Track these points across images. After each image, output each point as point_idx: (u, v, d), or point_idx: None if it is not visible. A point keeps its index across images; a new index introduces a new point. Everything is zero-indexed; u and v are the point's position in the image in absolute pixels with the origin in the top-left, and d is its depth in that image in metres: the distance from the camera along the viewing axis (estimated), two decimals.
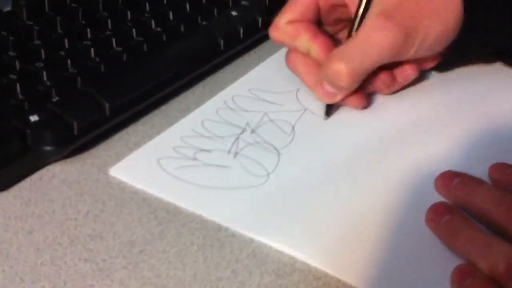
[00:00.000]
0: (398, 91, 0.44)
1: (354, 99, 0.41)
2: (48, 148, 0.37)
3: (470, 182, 0.33)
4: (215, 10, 0.50)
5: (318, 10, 0.42)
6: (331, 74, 0.39)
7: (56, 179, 0.37)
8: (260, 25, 0.50)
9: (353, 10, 0.41)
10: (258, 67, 0.48)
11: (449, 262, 0.30)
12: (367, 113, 0.43)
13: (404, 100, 0.44)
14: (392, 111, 0.43)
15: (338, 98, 0.41)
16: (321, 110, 0.42)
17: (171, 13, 0.48)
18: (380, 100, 0.44)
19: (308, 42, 0.41)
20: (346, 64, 0.38)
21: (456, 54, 0.42)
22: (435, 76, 0.46)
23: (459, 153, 0.39)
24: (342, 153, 0.39)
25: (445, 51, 0.42)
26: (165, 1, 0.50)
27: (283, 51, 0.49)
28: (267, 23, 0.50)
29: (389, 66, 0.41)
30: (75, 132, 0.37)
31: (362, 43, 0.38)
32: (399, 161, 0.38)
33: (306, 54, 0.41)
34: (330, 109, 0.42)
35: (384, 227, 0.33)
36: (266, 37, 0.51)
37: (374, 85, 0.42)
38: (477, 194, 0.32)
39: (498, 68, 0.47)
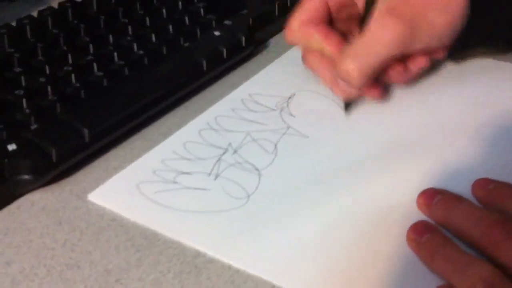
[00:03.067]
0: (412, 81, 0.45)
1: (371, 92, 0.43)
2: (26, 177, 0.36)
3: (451, 200, 0.33)
4: (198, 31, 0.50)
5: (328, 10, 0.44)
6: (342, 74, 0.40)
7: (35, 208, 0.36)
8: (244, 44, 0.50)
9: (361, 7, 0.43)
10: (242, 87, 0.47)
11: (429, 284, 0.30)
12: (350, 131, 0.42)
13: (390, 115, 0.44)
14: (375, 129, 0.42)
15: (353, 94, 0.42)
16: (306, 129, 0.42)
17: (153, 36, 0.48)
18: (361, 118, 0.44)
19: (320, 42, 0.42)
20: (355, 64, 0.39)
21: (463, 43, 0.43)
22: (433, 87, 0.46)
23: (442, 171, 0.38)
24: (324, 172, 0.38)
25: (455, 41, 0.43)
26: (148, 24, 0.50)
27: (266, 70, 0.49)
28: (251, 41, 0.51)
29: (401, 57, 0.42)
30: (54, 160, 0.37)
31: (370, 41, 0.40)
32: (382, 181, 0.37)
33: (321, 53, 0.43)
34: (349, 106, 0.44)
35: (368, 251, 0.32)
36: (250, 56, 0.51)
37: (388, 75, 0.43)
38: (457, 212, 0.32)
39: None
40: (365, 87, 0.42)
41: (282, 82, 0.48)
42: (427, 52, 0.43)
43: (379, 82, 0.43)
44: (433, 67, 0.48)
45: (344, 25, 0.45)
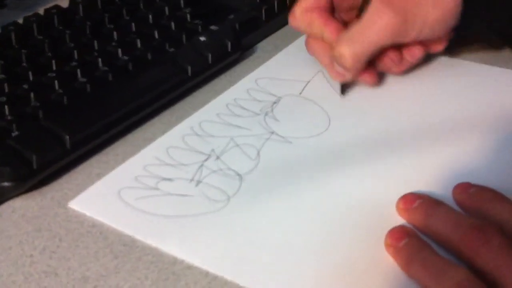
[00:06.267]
0: (407, 71, 0.47)
1: (365, 76, 0.45)
2: (7, 184, 0.36)
3: (430, 204, 0.33)
4: (184, 36, 0.50)
5: (330, 0, 0.46)
6: (337, 57, 0.43)
7: (15, 215, 0.36)
8: (230, 50, 0.50)
9: None
10: (227, 92, 0.47)
11: None
12: (334, 136, 0.42)
13: (374, 119, 0.44)
14: (359, 134, 0.42)
15: (347, 77, 0.45)
16: (290, 134, 0.42)
17: (139, 41, 0.48)
18: (345, 123, 0.43)
19: (320, 27, 0.45)
20: (348, 47, 0.42)
21: (460, 37, 0.45)
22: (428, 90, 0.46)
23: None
24: (306, 177, 0.38)
25: (451, 35, 0.45)
26: (133, 29, 0.51)
27: (252, 76, 0.49)
28: (237, 47, 0.51)
29: (397, 46, 0.45)
30: (35, 167, 0.37)
31: (364, 27, 0.42)
32: (366, 186, 0.37)
33: (321, 39, 0.45)
34: (345, 88, 0.46)
35: (350, 257, 0.32)
36: (236, 62, 0.51)
37: (383, 63, 0.45)
38: (436, 217, 0.32)
39: None
40: (359, 72, 0.44)
41: (267, 86, 0.48)
42: (423, 44, 0.45)
43: (374, 69, 0.45)
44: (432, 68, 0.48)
45: (345, 14, 0.48)
